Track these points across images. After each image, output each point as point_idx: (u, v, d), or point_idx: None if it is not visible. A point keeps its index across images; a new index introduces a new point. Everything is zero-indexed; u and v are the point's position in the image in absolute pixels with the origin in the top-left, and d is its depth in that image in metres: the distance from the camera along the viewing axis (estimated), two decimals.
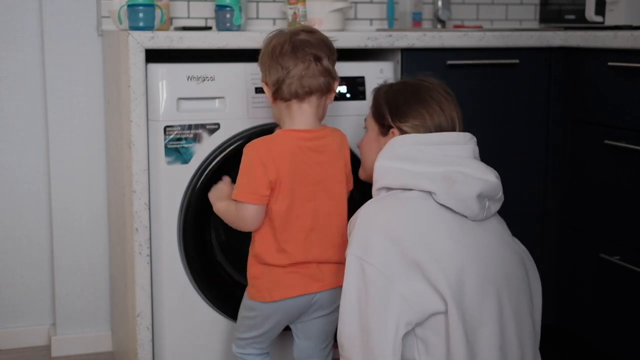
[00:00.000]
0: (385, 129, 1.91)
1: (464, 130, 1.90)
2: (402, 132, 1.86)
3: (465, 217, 1.76)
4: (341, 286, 1.81)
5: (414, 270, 1.67)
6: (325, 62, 1.93)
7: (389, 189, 1.82)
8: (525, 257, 1.88)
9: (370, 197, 1.89)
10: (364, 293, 1.68)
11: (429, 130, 1.85)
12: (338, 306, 1.83)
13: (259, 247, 1.96)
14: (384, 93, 1.95)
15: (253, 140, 1.95)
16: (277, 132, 1.97)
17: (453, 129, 1.87)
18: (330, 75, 1.94)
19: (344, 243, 1.93)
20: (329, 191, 1.97)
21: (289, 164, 1.91)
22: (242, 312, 2.04)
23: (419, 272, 1.66)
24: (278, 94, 1.93)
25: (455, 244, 1.71)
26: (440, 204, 1.75)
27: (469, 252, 1.71)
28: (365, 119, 2.02)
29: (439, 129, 1.85)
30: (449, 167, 1.77)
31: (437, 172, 1.76)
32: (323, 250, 1.97)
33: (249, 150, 1.93)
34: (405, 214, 1.74)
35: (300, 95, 1.92)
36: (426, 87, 1.90)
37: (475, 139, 1.88)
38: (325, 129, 1.99)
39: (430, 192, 1.76)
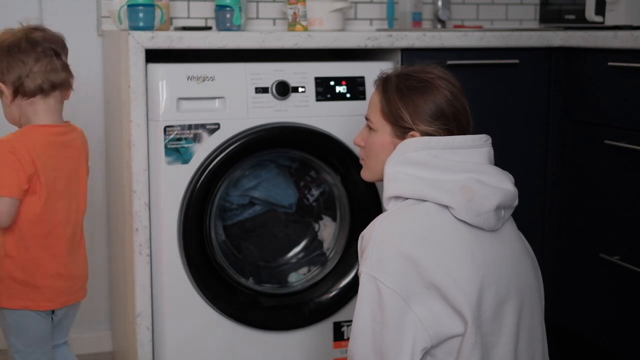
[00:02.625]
0: (402, 132, 1.74)
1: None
2: (424, 135, 1.71)
3: (482, 228, 1.67)
4: None
5: (432, 291, 1.58)
6: (64, 58, 1.97)
7: (400, 197, 1.70)
8: (535, 260, 1.80)
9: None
10: (379, 314, 1.59)
11: (451, 132, 1.72)
12: None
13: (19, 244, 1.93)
14: (395, 90, 1.75)
15: (1, 137, 1.90)
16: (25, 128, 1.94)
17: (468, 127, 1.76)
18: (69, 70, 1.98)
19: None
20: (77, 187, 2.00)
21: (44, 158, 1.90)
22: (11, 337, 1.97)
23: (437, 294, 1.58)
24: (20, 91, 1.91)
25: (473, 264, 1.61)
26: (457, 218, 1.64)
27: (487, 271, 1.62)
28: (367, 117, 1.82)
29: (461, 129, 1.74)
30: (466, 175, 1.65)
31: (455, 181, 1.64)
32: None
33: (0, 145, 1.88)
34: (422, 233, 1.62)
35: (45, 90, 1.92)
36: (438, 81, 1.74)
37: (490, 140, 1.76)
38: (69, 125, 2.00)
39: (447, 206, 1.64)
